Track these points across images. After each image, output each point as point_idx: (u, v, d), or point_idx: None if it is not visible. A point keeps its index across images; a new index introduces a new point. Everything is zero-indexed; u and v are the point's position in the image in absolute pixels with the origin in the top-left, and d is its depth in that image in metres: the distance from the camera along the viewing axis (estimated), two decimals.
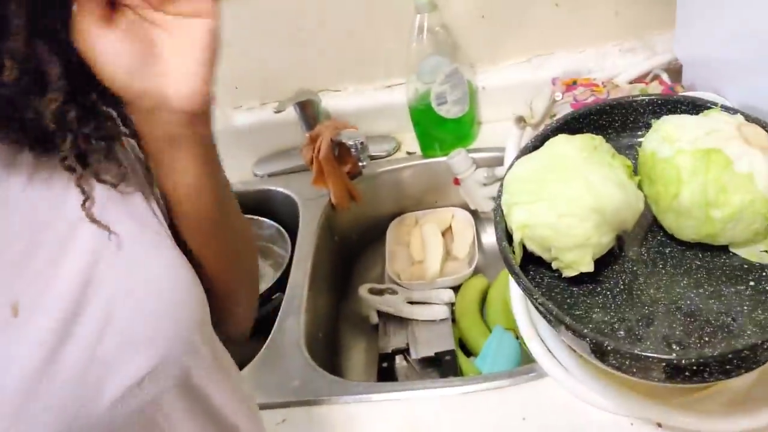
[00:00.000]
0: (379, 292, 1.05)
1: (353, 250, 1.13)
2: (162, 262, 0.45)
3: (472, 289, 1.02)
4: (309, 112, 1.06)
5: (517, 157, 0.71)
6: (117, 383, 0.39)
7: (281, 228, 1.07)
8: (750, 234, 0.61)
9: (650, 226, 0.68)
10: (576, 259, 0.61)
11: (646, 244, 0.67)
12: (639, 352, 0.51)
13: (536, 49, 1.06)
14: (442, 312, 0.99)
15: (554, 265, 0.64)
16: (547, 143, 0.66)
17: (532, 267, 0.68)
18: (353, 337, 1.02)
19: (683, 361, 0.49)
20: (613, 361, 0.54)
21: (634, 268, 0.65)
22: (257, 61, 1.11)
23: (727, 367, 0.50)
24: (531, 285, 0.60)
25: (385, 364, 0.96)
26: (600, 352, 0.54)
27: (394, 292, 1.04)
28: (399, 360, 0.97)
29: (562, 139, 0.65)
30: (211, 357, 0.48)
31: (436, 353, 0.92)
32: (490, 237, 1.12)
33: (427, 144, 1.08)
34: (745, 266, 0.62)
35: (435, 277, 1.02)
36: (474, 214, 1.09)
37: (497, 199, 0.69)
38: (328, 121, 1.06)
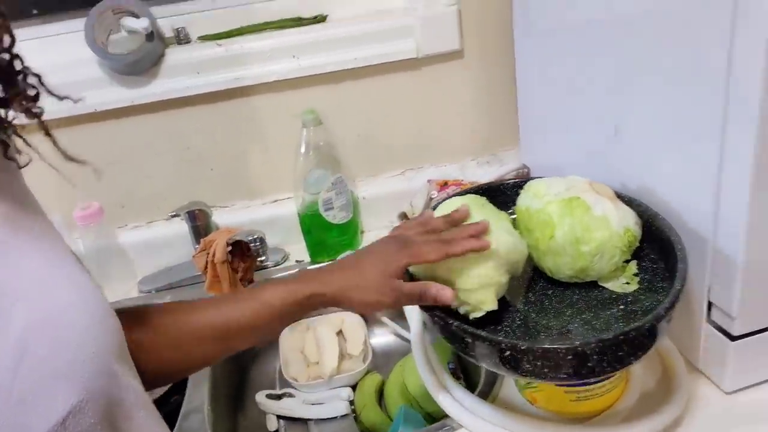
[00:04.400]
0: (277, 397, 1.04)
1: (246, 357, 1.11)
2: (74, 291, 0.43)
3: (369, 384, 1.04)
4: (201, 222, 1.09)
5: None
6: (40, 425, 0.37)
7: None
8: (612, 267, 0.73)
9: (532, 277, 0.79)
10: (482, 299, 0.68)
11: (532, 290, 0.77)
12: (549, 346, 0.58)
13: (408, 164, 1.21)
14: (343, 408, 1.00)
15: (462, 310, 0.71)
16: (441, 204, 0.76)
17: None
18: None
19: (586, 349, 0.57)
20: (527, 366, 0.60)
21: (526, 308, 0.74)
22: (145, 179, 1.14)
23: (620, 353, 0.59)
24: (444, 315, 0.66)
25: None
26: (515, 358, 0.60)
27: (291, 396, 1.04)
28: None
29: (455, 198, 0.76)
30: (132, 390, 0.45)
31: None
32: (379, 338, 1.16)
33: (317, 251, 1.14)
34: (613, 296, 0.73)
35: (333, 374, 1.03)
36: (363, 316, 1.14)
37: None
38: (220, 228, 1.09)
